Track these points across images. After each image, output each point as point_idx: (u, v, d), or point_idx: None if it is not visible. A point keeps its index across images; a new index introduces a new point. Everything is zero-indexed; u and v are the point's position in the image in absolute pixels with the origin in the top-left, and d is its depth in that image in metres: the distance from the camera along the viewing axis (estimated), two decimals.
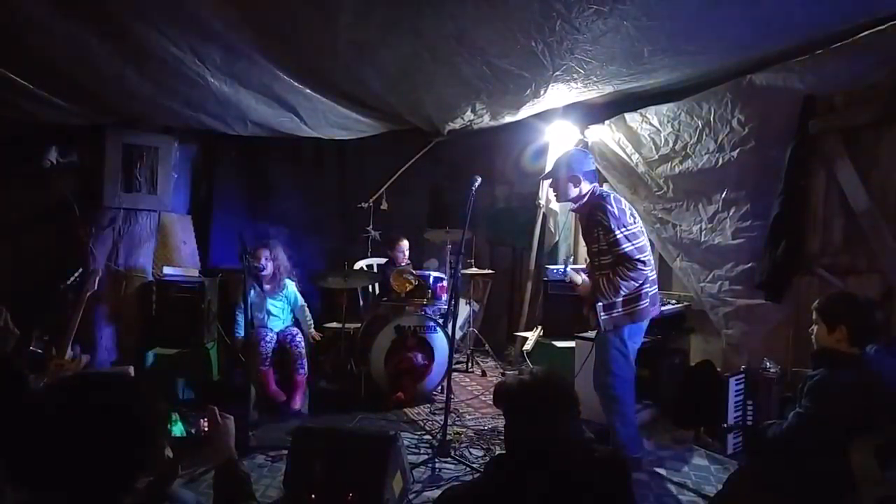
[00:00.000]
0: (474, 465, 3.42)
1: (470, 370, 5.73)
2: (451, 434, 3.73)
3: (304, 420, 4.17)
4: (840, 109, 3.47)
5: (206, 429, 1.62)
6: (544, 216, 5.90)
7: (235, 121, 4.53)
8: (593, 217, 3.30)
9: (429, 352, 4.68)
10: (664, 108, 4.25)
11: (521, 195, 6.32)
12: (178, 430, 1.60)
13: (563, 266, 4.26)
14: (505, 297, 6.61)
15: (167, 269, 4.90)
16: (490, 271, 6.12)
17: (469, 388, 5.19)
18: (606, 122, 4.74)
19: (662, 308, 4.02)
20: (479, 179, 3.76)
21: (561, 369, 4.03)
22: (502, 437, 3.79)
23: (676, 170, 4.27)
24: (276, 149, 5.64)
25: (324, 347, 5.08)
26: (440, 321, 4.78)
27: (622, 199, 3.38)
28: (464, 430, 4.03)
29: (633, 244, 3.18)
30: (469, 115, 4.76)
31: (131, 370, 4.02)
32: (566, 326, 4.67)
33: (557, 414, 1.59)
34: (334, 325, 5.21)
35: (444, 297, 5.16)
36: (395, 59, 3.61)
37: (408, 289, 5.03)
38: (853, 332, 2.29)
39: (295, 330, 4.59)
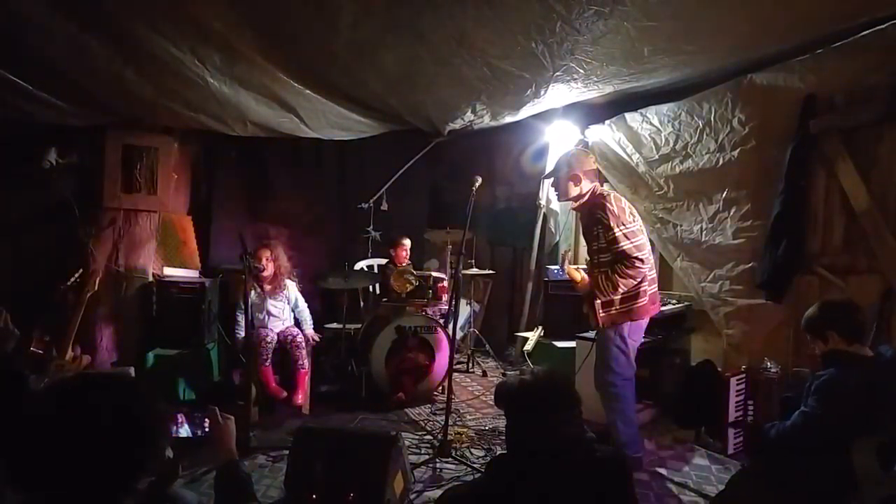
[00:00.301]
0: (475, 466, 3.42)
1: (471, 370, 5.73)
2: (451, 434, 3.74)
3: (305, 420, 4.17)
4: (841, 109, 3.47)
5: (208, 429, 1.62)
6: (545, 216, 5.90)
7: (235, 121, 4.53)
8: (593, 215, 3.33)
9: (429, 352, 4.68)
10: (664, 107, 4.24)
11: (522, 195, 6.32)
12: (185, 431, 1.61)
13: (560, 261, 4.26)
14: (505, 298, 6.60)
15: (167, 270, 4.90)
16: (490, 271, 6.11)
17: (470, 388, 5.19)
18: (607, 122, 4.73)
19: (663, 308, 4.03)
20: (480, 180, 3.76)
21: (561, 369, 4.05)
22: (503, 438, 3.81)
23: (677, 169, 4.27)
24: (275, 149, 5.64)
25: (324, 348, 5.08)
26: (441, 321, 4.78)
27: (622, 199, 3.41)
28: (465, 430, 4.03)
29: (631, 242, 3.21)
30: (469, 116, 4.75)
31: (132, 371, 4.03)
32: (567, 326, 4.67)
33: (559, 414, 1.59)
34: (335, 325, 5.22)
35: (445, 297, 5.16)
36: (395, 61, 3.60)
37: (408, 289, 5.03)
38: (843, 332, 2.33)
39: (295, 330, 4.59)
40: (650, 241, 3.76)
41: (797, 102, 3.55)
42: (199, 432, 1.61)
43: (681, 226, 4.32)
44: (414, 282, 5.05)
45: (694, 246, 4.24)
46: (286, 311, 4.70)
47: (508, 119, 4.92)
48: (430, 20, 3.05)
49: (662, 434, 3.99)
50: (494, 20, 3.00)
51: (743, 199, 3.90)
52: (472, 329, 6.01)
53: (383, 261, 5.65)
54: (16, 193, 4.65)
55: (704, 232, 4.14)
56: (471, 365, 5.79)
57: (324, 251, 6.08)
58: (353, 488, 2.60)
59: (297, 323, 4.75)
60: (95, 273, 4.28)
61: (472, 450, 3.71)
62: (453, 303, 3.85)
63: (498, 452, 3.63)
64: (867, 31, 3.11)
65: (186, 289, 4.73)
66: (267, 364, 4.33)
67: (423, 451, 3.65)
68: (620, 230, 3.20)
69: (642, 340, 3.53)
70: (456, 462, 3.48)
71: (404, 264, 5.37)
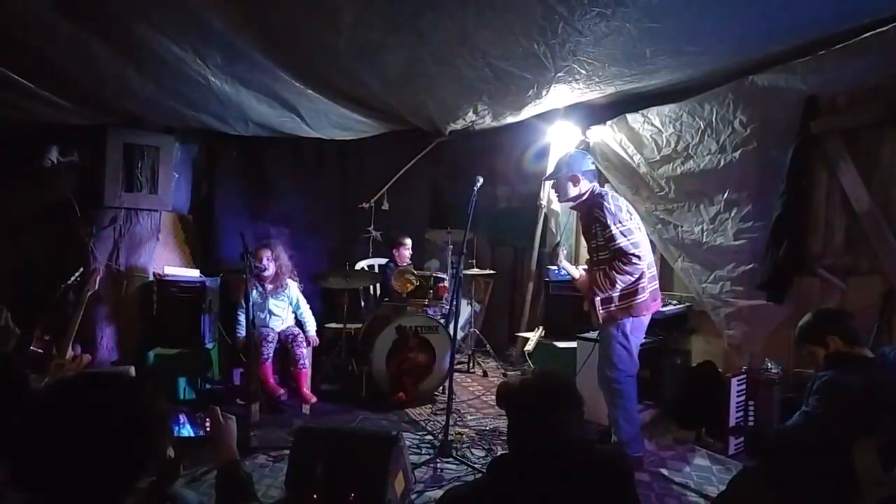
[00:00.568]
0: (476, 466, 3.42)
1: (471, 370, 5.73)
2: (452, 434, 3.73)
3: (306, 420, 4.17)
4: (842, 110, 3.47)
5: (209, 429, 1.62)
6: (546, 216, 5.90)
7: (237, 121, 4.53)
8: (591, 214, 3.40)
9: (430, 352, 4.67)
10: (666, 108, 4.24)
11: (523, 195, 6.32)
12: (186, 431, 1.60)
13: (552, 255, 4.26)
14: (506, 298, 6.60)
15: (168, 269, 4.90)
16: (491, 272, 6.12)
17: (470, 388, 5.19)
18: (608, 122, 4.74)
19: (664, 308, 4.04)
20: (481, 180, 3.77)
21: (562, 370, 4.05)
22: (504, 438, 3.82)
23: (678, 170, 4.27)
24: (277, 149, 5.63)
25: (325, 347, 5.08)
26: (441, 321, 4.78)
27: (619, 198, 3.48)
28: (465, 430, 4.03)
29: (628, 239, 3.26)
30: (471, 116, 4.75)
31: (132, 370, 4.02)
32: (567, 327, 4.68)
33: (560, 414, 1.59)
34: (335, 325, 5.22)
35: (446, 297, 5.16)
36: (397, 61, 3.60)
37: (409, 289, 5.03)
38: (844, 335, 2.33)
39: (297, 330, 4.60)
40: (651, 241, 3.76)
41: (799, 103, 3.55)
42: (201, 432, 1.61)
43: (682, 227, 4.32)
44: (415, 282, 5.05)
45: (695, 247, 4.24)
46: (287, 310, 4.71)
47: (510, 119, 4.92)
48: (431, 20, 3.05)
49: (663, 434, 3.98)
50: (496, 21, 3.00)
51: (744, 200, 3.90)
52: (472, 329, 6.00)
53: (384, 261, 5.65)
54: (17, 192, 4.66)
55: (705, 233, 4.14)
56: (471, 365, 5.79)
57: (324, 251, 6.08)
58: (353, 488, 2.60)
59: (298, 322, 4.76)
60: (96, 272, 4.28)
61: (473, 450, 3.71)
62: (454, 303, 3.85)
63: (499, 452, 3.63)
64: (869, 33, 3.11)
65: (187, 288, 4.73)
66: (267, 363, 4.34)
67: (423, 452, 3.65)
68: (617, 227, 3.26)
69: (644, 340, 3.54)
70: (457, 462, 3.48)
71: (405, 264, 5.37)
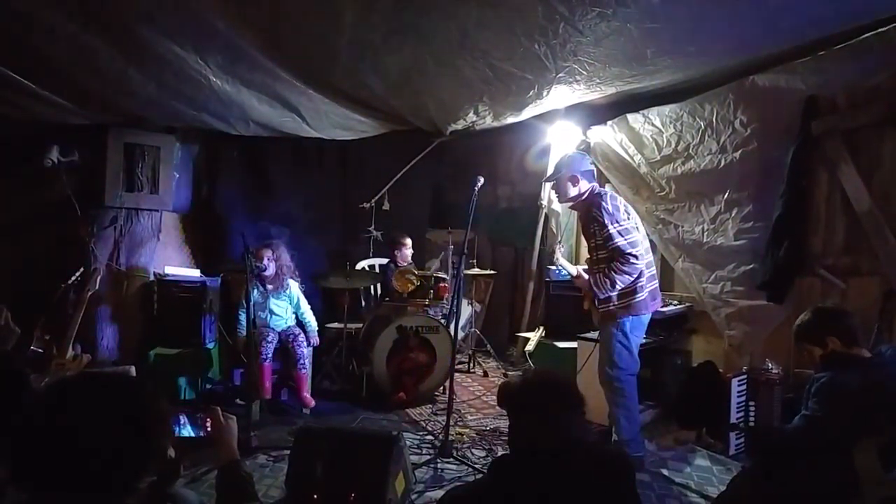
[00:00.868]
0: (476, 466, 3.42)
1: (472, 371, 5.73)
2: (453, 434, 3.73)
3: (307, 420, 4.18)
4: (842, 110, 3.47)
5: (210, 429, 1.62)
6: (546, 217, 5.90)
7: (238, 120, 4.52)
8: (589, 214, 3.42)
9: (431, 352, 4.67)
10: (666, 108, 4.24)
11: (524, 195, 6.32)
12: (187, 431, 1.60)
13: (549, 255, 4.27)
14: (507, 298, 6.60)
15: (169, 269, 4.90)
16: (492, 272, 6.12)
17: (471, 388, 5.19)
18: (609, 122, 4.73)
19: (665, 309, 4.04)
20: (482, 180, 3.78)
21: (563, 370, 4.05)
22: (504, 438, 3.82)
23: (679, 171, 4.26)
24: (277, 148, 5.63)
25: (326, 347, 5.08)
26: (442, 321, 4.78)
27: (618, 197, 3.52)
28: (466, 430, 4.03)
29: (625, 239, 3.29)
30: (472, 117, 4.75)
31: (132, 370, 4.03)
32: (568, 327, 4.67)
33: (561, 414, 1.59)
34: (336, 325, 5.22)
35: (446, 297, 5.16)
36: (398, 62, 3.60)
37: (410, 289, 5.03)
38: (843, 336, 2.32)
39: (297, 330, 4.60)
40: (652, 241, 3.76)
41: (799, 104, 3.55)
42: (201, 432, 1.61)
43: (682, 227, 4.32)
44: (415, 282, 5.05)
45: (695, 247, 4.24)
46: (288, 310, 4.70)
47: (511, 120, 4.92)
48: (432, 21, 3.04)
49: (663, 435, 3.98)
50: (497, 21, 3.00)
51: (744, 200, 3.90)
52: (473, 329, 6.00)
53: (385, 260, 5.64)
54: (17, 192, 4.65)
55: (706, 233, 4.14)
56: (472, 365, 5.79)
57: (325, 251, 6.08)
58: (354, 488, 2.60)
59: (299, 322, 4.76)
60: (96, 272, 4.29)
61: (474, 450, 3.72)
62: (455, 303, 3.85)
63: (499, 453, 3.63)
64: (869, 33, 3.10)
65: (187, 288, 4.73)
66: (267, 363, 4.34)
67: (424, 452, 3.66)
68: (614, 227, 3.29)
69: (644, 340, 3.55)
70: (457, 462, 3.48)
71: (406, 264, 5.37)
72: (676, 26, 3.01)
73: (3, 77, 3.46)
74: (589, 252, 3.58)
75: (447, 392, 3.89)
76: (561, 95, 4.15)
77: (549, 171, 4.42)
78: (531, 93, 4.02)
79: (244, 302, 4.17)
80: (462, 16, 2.95)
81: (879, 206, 3.33)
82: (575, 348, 4.37)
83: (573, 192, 3.51)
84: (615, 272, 3.27)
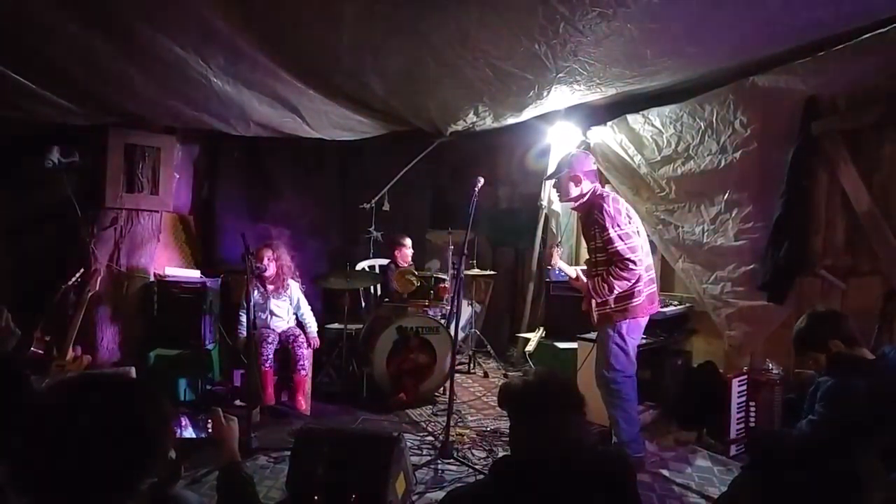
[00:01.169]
0: (477, 467, 3.42)
1: (472, 371, 5.73)
2: (453, 435, 3.73)
3: (307, 421, 4.17)
4: (842, 111, 3.47)
5: (210, 430, 1.62)
6: (546, 217, 5.90)
7: (238, 121, 4.52)
8: (591, 215, 3.41)
9: (431, 353, 4.67)
10: (666, 109, 4.24)
11: (524, 196, 6.32)
12: (188, 432, 1.61)
13: (547, 255, 4.27)
14: (507, 298, 6.60)
15: (169, 270, 4.90)
16: (492, 272, 6.11)
17: (471, 389, 5.19)
18: (609, 123, 4.73)
19: (665, 309, 4.03)
20: (482, 180, 3.77)
21: (563, 370, 4.05)
22: (504, 439, 3.82)
23: (679, 171, 4.26)
24: (277, 149, 5.63)
25: (326, 348, 5.07)
26: (442, 322, 4.78)
27: (620, 200, 3.49)
28: (466, 431, 4.03)
29: (625, 243, 3.27)
30: (472, 117, 4.75)
31: (133, 371, 4.02)
32: (568, 327, 4.67)
33: (562, 414, 1.59)
34: (336, 325, 5.21)
35: (447, 297, 5.16)
36: (398, 62, 3.60)
37: (410, 290, 5.03)
38: (845, 337, 2.32)
39: (297, 331, 4.59)
40: (652, 242, 3.75)
41: (799, 104, 3.55)
42: (202, 433, 1.61)
43: (682, 227, 4.32)
44: (416, 282, 5.05)
45: (695, 247, 4.24)
46: (289, 311, 4.70)
47: (511, 120, 4.92)
48: (432, 22, 3.04)
49: (664, 435, 3.98)
50: (497, 21, 3.00)
51: (744, 200, 3.90)
52: (473, 330, 6.00)
53: (385, 261, 5.65)
54: (18, 192, 4.65)
55: (706, 233, 4.14)
56: (472, 366, 5.79)
57: (325, 251, 6.08)
58: (354, 489, 2.60)
59: (299, 323, 4.75)
60: (97, 273, 4.28)
61: (474, 451, 3.71)
62: (455, 303, 3.85)
63: (500, 454, 3.63)
64: (869, 34, 3.10)
65: (188, 289, 4.73)
66: (268, 365, 4.33)
67: (424, 453, 3.65)
68: (615, 231, 3.27)
69: (644, 341, 3.55)
70: (458, 463, 3.48)
71: (406, 265, 5.37)
72: (676, 27, 3.01)
73: (4, 77, 3.46)
74: (588, 254, 3.56)
75: (447, 393, 3.88)
76: (561, 96, 4.15)
77: (550, 170, 4.42)
78: (531, 93, 4.02)
79: (244, 303, 4.17)
80: (462, 16, 2.95)
81: (879, 207, 3.33)
82: (575, 349, 4.37)
83: (575, 191, 3.48)
84: (613, 277, 3.25)
